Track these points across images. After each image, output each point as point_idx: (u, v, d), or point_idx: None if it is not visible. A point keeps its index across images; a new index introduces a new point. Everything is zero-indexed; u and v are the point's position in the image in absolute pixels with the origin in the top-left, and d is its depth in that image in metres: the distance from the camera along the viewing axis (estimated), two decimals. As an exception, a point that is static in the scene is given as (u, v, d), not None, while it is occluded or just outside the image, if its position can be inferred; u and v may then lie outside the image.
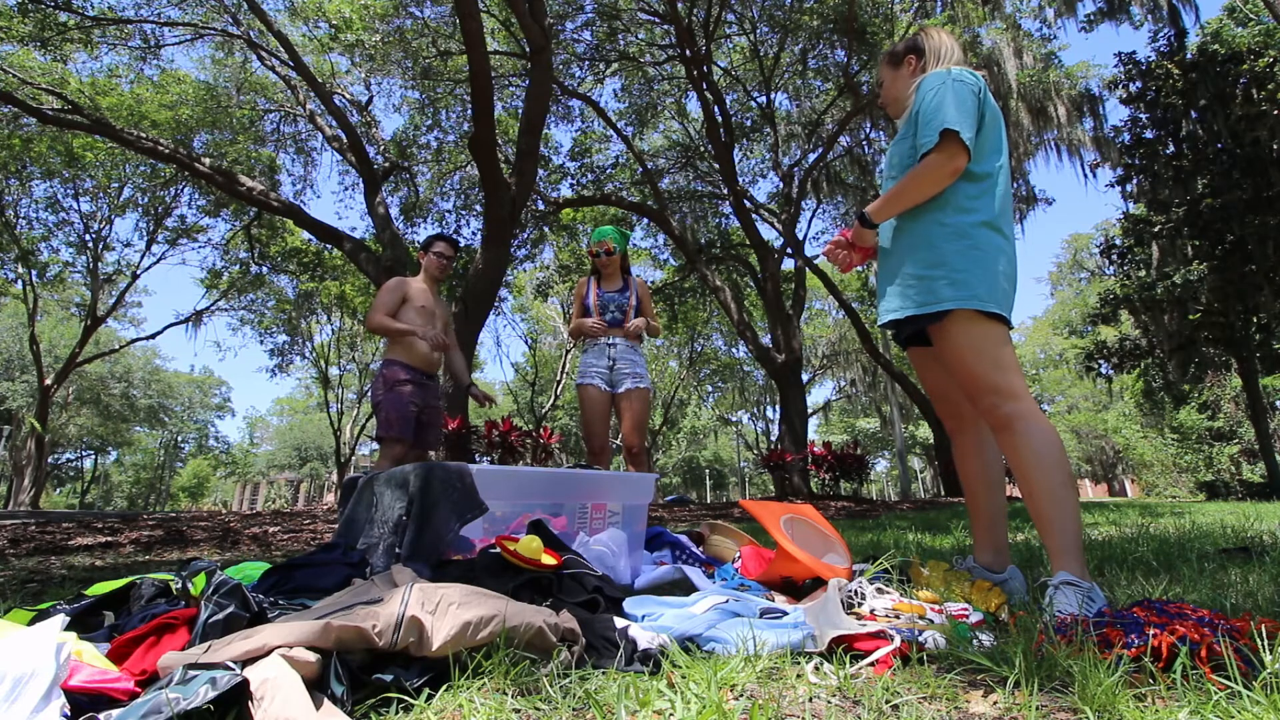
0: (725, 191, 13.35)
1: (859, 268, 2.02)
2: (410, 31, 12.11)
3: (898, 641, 1.19)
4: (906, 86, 1.86)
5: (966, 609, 1.40)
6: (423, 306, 3.51)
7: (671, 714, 0.92)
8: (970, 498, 1.91)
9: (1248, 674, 0.95)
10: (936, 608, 1.41)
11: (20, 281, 18.48)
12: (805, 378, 20.42)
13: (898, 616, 1.36)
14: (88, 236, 17.77)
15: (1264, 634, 1.04)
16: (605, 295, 3.53)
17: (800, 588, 1.80)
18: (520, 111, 10.19)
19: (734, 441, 44.23)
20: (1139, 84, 13.27)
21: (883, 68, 1.96)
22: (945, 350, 1.70)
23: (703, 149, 14.78)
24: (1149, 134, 13.40)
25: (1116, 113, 42.81)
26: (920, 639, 1.22)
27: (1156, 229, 13.54)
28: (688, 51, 11.27)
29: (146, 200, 16.42)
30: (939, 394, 1.95)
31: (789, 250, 14.20)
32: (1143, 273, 14.57)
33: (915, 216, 1.73)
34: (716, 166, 13.71)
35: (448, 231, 14.22)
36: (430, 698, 1.01)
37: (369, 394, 3.43)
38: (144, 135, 10.71)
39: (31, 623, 1.24)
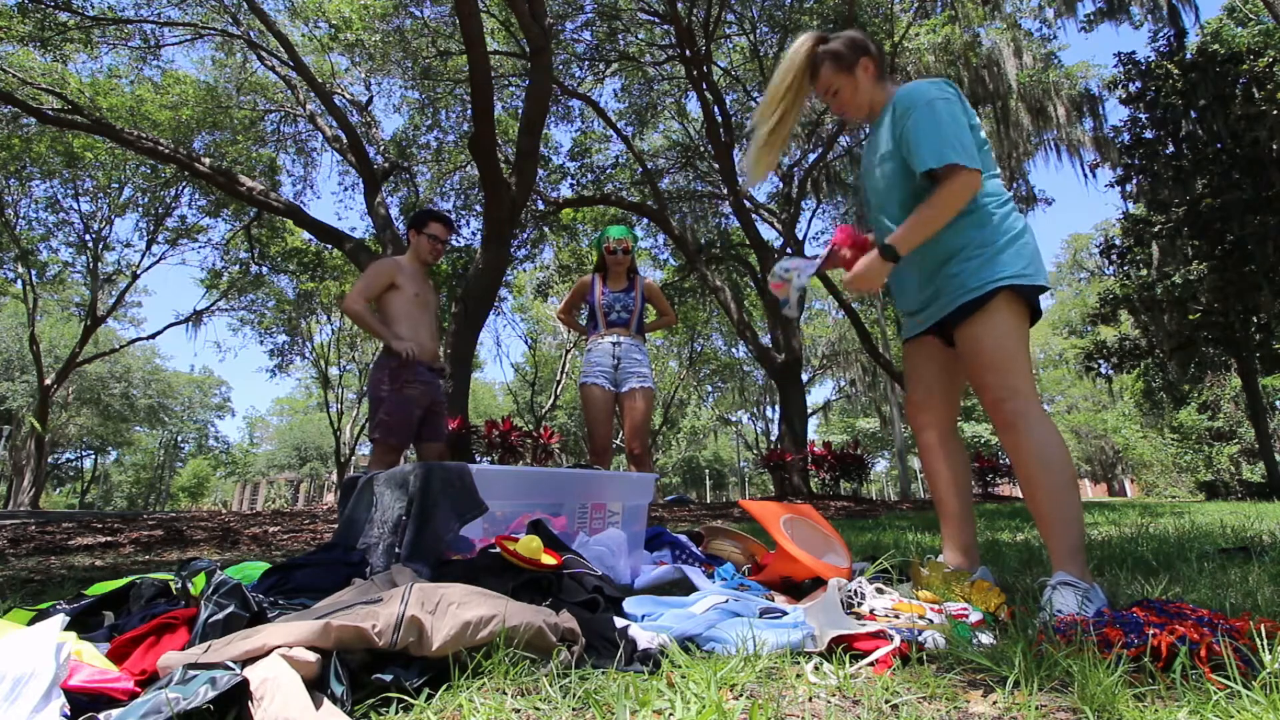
0: (725, 191, 13.34)
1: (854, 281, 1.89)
2: (410, 31, 12.11)
3: (897, 641, 1.19)
4: (871, 91, 1.82)
5: (966, 609, 1.40)
6: (416, 295, 3.18)
7: (671, 714, 0.92)
8: (939, 498, 1.90)
9: (1247, 674, 0.95)
10: (936, 607, 1.41)
11: (20, 281, 18.49)
12: (805, 378, 20.40)
13: (897, 616, 1.37)
14: (88, 236, 17.78)
15: (1263, 634, 1.04)
16: (611, 295, 3.53)
17: (800, 587, 1.81)
18: (520, 111, 10.18)
19: (734, 441, 44.22)
20: (1139, 84, 13.27)
21: (832, 75, 1.81)
22: (977, 336, 1.65)
23: (703, 149, 14.76)
24: (1149, 134, 13.40)
25: (1116, 113, 42.90)
26: (920, 639, 1.22)
27: (1156, 229, 13.53)
28: (688, 51, 11.26)
29: (146, 200, 16.41)
30: (925, 387, 1.91)
31: (789, 250, 14.19)
32: (1143, 273, 14.55)
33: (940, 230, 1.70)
34: (716, 166, 13.71)
35: (447, 231, 14.16)
36: (430, 697, 1.01)
37: (367, 388, 3.28)
38: (144, 135, 10.70)
39: (31, 623, 1.24)
